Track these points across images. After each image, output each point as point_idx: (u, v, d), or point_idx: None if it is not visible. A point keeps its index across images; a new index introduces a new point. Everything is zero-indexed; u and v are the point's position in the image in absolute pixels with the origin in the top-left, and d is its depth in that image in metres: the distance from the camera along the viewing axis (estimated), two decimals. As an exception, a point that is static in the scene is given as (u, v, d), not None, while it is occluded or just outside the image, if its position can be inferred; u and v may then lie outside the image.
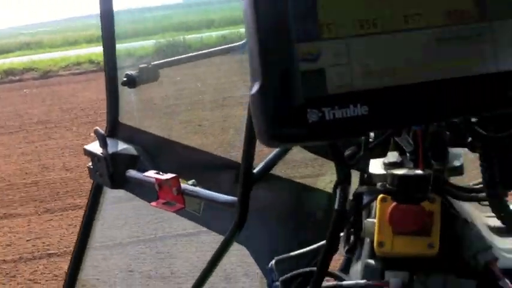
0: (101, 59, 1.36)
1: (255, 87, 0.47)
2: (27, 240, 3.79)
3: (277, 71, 0.47)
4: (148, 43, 11.22)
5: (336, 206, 0.71)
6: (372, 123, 0.49)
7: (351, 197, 0.75)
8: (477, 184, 0.78)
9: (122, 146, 1.38)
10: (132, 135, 1.42)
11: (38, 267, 3.42)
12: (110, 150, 1.34)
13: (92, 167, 1.41)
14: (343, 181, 0.69)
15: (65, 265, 3.12)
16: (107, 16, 1.26)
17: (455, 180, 0.80)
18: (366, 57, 0.49)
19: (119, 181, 1.39)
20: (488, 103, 0.51)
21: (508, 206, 0.73)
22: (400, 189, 0.69)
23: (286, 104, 0.47)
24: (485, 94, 0.50)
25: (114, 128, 1.40)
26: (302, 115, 0.47)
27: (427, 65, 0.50)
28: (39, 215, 4.24)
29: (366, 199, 0.80)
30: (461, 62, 0.50)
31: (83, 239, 1.53)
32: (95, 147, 1.37)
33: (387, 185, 0.71)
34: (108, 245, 3.38)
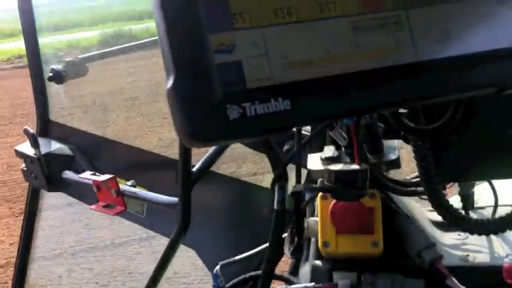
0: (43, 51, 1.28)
1: (169, 82, 0.43)
2: (11, 244, 3.52)
3: (190, 64, 0.43)
4: (94, 33, 10.83)
5: (275, 206, 0.67)
6: (296, 118, 0.45)
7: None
8: (416, 177, 0.77)
9: (55, 146, 1.31)
10: (65, 134, 1.35)
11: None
12: (43, 150, 1.27)
13: (25, 168, 1.34)
14: (279, 178, 0.66)
15: (55, 268, 2.99)
16: (26, 7, 1.17)
17: (394, 174, 0.78)
18: (284, 48, 0.45)
19: (56, 183, 1.31)
20: (411, 95, 0.48)
21: (446, 200, 0.71)
22: (337, 185, 0.67)
23: (203, 99, 0.43)
24: (408, 85, 0.47)
25: (45, 127, 1.32)
26: (221, 112, 0.42)
27: (345, 56, 0.47)
28: (16, 216, 3.92)
29: (307, 196, 0.78)
30: (381, 52, 0.47)
31: (24, 247, 1.45)
32: (27, 147, 1.30)
33: (325, 182, 0.69)
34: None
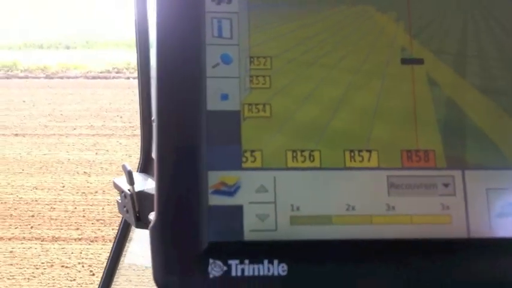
0: None
1: (152, 221, 0.38)
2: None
3: (177, 202, 0.38)
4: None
5: None
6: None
7: None
8: None
9: (150, 185, 1.33)
10: None
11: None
12: (137, 188, 1.30)
13: (120, 201, 1.38)
14: None
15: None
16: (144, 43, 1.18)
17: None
18: (296, 197, 0.38)
19: (144, 221, 1.34)
20: (454, 279, 0.38)
21: None
22: None
23: (183, 248, 0.37)
24: (450, 266, 0.38)
25: (146, 164, 1.35)
26: (201, 266, 0.37)
27: (373, 217, 0.38)
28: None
29: None
30: (421, 219, 0.38)
31: (108, 275, 1.50)
32: (124, 181, 1.33)
33: None
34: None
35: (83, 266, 2.77)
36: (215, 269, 0.37)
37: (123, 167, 1.28)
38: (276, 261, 0.36)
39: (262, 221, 0.38)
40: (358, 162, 0.39)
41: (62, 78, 7.25)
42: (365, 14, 0.43)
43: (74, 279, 2.65)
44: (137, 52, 1.32)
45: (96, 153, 4.35)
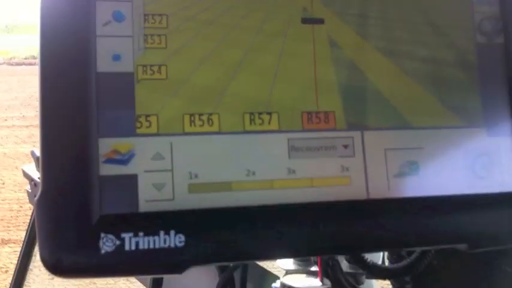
0: None
1: (38, 193, 0.35)
2: None
3: (64, 173, 0.35)
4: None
5: None
6: (188, 259, 0.35)
7: None
8: None
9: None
10: None
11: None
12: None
13: (30, 190, 1.31)
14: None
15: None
16: None
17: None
18: (195, 164, 0.36)
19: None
20: (353, 242, 0.38)
21: None
22: None
23: (71, 221, 0.34)
24: (350, 229, 0.38)
25: None
26: (92, 241, 0.34)
27: (273, 182, 0.37)
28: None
29: None
30: (321, 181, 0.38)
31: (22, 267, 1.42)
32: (33, 169, 1.27)
33: None
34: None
35: (39, 270, 2.62)
36: (107, 243, 0.34)
37: (32, 153, 1.21)
38: (172, 232, 0.34)
39: (159, 190, 0.36)
40: (258, 125, 0.38)
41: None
42: None
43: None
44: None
45: (34, 146, 4.14)
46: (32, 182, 1.32)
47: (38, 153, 1.29)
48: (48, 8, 0.36)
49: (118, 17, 0.37)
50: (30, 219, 1.40)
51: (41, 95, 0.35)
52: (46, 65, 0.35)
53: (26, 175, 1.35)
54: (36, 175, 1.30)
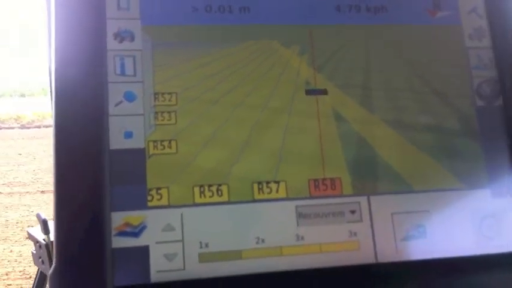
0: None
1: (52, 266, 0.36)
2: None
3: (78, 247, 0.36)
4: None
5: None
6: None
7: None
8: None
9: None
10: None
11: None
12: (53, 237, 1.24)
13: (34, 252, 1.31)
14: None
15: None
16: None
17: None
18: (205, 234, 0.37)
19: (62, 271, 1.27)
20: None
21: None
22: None
23: None
24: None
25: None
26: None
27: (282, 249, 0.38)
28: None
29: None
30: (330, 247, 0.39)
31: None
32: (38, 232, 1.27)
33: None
34: None
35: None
36: None
37: (38, 216, 1.21)
38: None
39: (170, 260, 0.37)
40: (267, 194, 0.39)
41: (39, 127, 6.80)
42: (269, 49, 0.43)
43: None
44: (51, 96, 1.27)
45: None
46: (37, 244, 1.32)
47: (43, 216, 1.27)
48: (63, 89, 0.38)
49: (129, 97, 0.39)
50: (36, 279, 1.39)
51: (56, 171, 0.36)
52: (61, 143, 0.37)
53: (31, 237, 1.35)
54: (41, 237, 1.30)
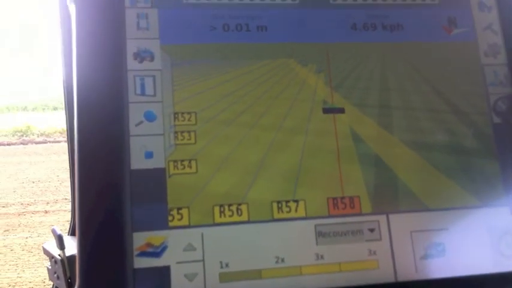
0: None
1: (76, 285, 0.36)
2: None
3: (100, 268, 0.36)
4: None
5: None
6: None
7: None
8: None
9: (82, 248, 1.28)
10: None
11: None
12: (68, 252, 1.24)
13: (50, 267, 1.31)
14: None
15: None
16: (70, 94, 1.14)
17: None
18: (225, 253, 0.38)
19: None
20: None
21: None
22: None
23: None
24: None
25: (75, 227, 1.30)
26: None
27: (302, 268, 0.38)
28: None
29: None
30: (349, 266, 0.39)
31: None
32: (54, 247, 1.28)
33: None
34: None
35: None
36: None
37: (53, 230, 1.22)
38: None
39: (191, 281, 0.37)
40: (286, 213, 0.39)
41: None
42: (286, 68, 0.44)
43: None
44: (66, 116, 1.28)
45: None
46: (53, 259, 1.33)
47: (58, 231, 1.28)
48: (83, 111, 0.38)
49: (149, 117, 0.40)
50: (50, 297, 1.40)
51: (79, 192, 0.36)
52: (82, 165, 0.37)
53: (46, 252, 1.36)
54: (57, 252, 1.31)
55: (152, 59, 0.41)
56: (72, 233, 1.30)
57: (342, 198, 0.40)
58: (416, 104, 0.44)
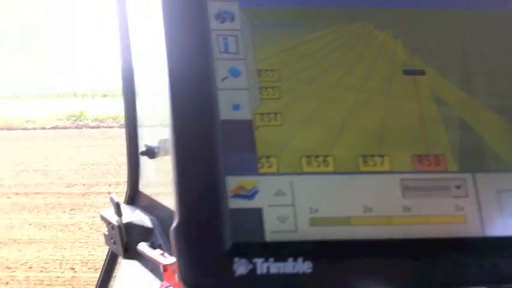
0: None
1: (174, 222, 0.38)
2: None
3: (198, 206, 0.38)
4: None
5: None
6: (316, 285, 0.37)
7: None
8: None
9: (138, 216, 1.31)
10: (149, 206, 1.33)
11: None
12: (125, 219, 1.27)
13: (107, 233, 1.35)
14: None
15: None
16: (128, 79, 1.15)
17: None
18: (314, 200, 0.39)
19: (132, 252, 1.31)
20: (471, 277, 0.38)
21: None
22: None
23: (208, 249, 0.37)
24: (467, 265, 0.38)
25: (133, 196, 1.34)
26: (227, 265, 0.36)
27: (389, 218, 0.39)
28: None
29: None
30: (436, 219, 0.39)
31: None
32: (111, 214, 1.31)
33: None
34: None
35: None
36: (240, 267, 0.36)
37: (111, 199, 1.26)
38: (300, 260, 0.36)
39: (283, 222, 0.38)
40: (371, 166, 0.40)
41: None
42: (363, 32, 0.44)
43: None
44: (123, 91, 1.31)
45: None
46: (110, 225, 1.37)
47: (116, 199, 1.31)
48: (175, 67, 0.40)
49: (234, 73, 0.41)
50: (106, 258, 1.44)
51: (174, 140, 0.38)
52: (177, 116, 0.39)
53: (103, 219, 1.40)
54: (114, 219, 1.35)
55: (233, 19, 0.42)
56: (128, 201, 1.34)
57: (427, 155, 0.40)
58: (499, 70, 0.43)
